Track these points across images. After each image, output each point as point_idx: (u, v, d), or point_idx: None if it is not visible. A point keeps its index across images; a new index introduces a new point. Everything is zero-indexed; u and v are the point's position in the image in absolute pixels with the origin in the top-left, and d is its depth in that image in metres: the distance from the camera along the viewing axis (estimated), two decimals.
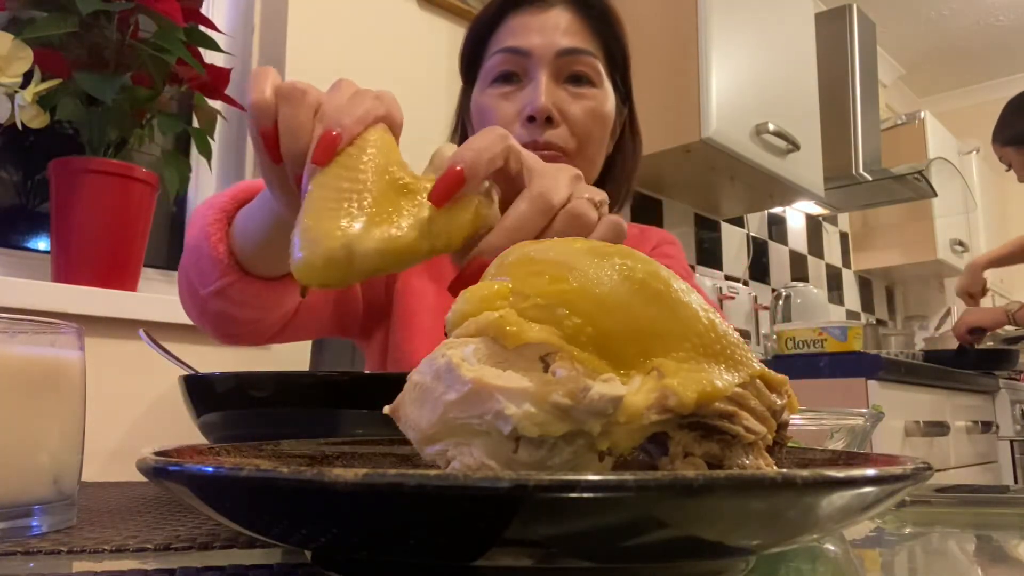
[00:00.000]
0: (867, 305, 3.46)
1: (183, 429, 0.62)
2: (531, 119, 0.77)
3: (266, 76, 0.40)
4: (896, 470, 0.23)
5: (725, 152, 1.82)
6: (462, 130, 0.91)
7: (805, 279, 2.92)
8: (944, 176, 2.87)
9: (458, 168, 0.36)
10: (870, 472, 0.22)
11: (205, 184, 1.35)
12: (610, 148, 0.87)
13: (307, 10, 1.39)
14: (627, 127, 0.91)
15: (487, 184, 0.39)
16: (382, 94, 0.40)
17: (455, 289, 0.36)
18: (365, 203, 0.35)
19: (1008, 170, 2.26)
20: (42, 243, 1.18)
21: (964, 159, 3.49)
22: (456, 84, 1.52)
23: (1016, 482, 2.17)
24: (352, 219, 0.34)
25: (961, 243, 3.35)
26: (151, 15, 1.05)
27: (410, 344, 0.82)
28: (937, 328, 3.23)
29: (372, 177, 0.36)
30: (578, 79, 0.80)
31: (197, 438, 0.53)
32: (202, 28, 1.13)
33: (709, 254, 2.42)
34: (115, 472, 1.03)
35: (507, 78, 0.80)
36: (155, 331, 0.66)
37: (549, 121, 0.77)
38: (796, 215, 2.96)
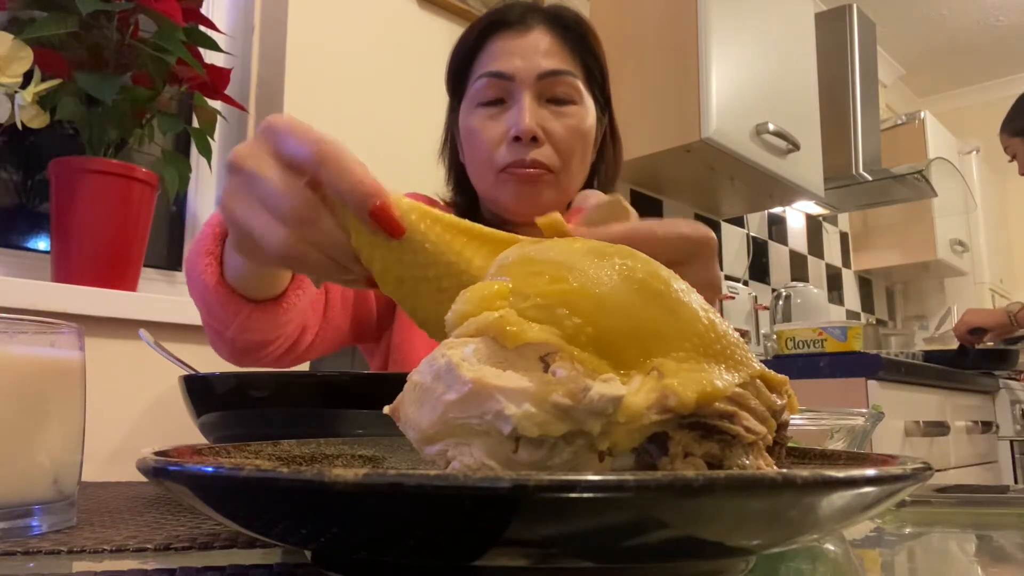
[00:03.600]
0: (867, 305, 3.46)
1: (183, 429, 0.62)
2: (517, 139, 0.80)
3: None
4: (896, 470, 0.23)
5: (725, 152, 1.82)
6: (451, 144, 0.93)
7: (805, 279, 2.92)
8: (944, 176, 2.87)
9: None
10: (870, 472, 0.22)
11: (205, 184, 1.35)
12: (593, 156, 0.89)
13: (307, 10, 1.39)
14: (607, 135, 0.93)
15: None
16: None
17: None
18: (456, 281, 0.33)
19: (1011, 161, 2.25)
20: (42, 243, 1.18)
21: (964, 159, 3.48)
22: None
23: (1016, 482, 2.17)
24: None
25: (961, 243, 3.35)
26: (151, 15, 1.05)
27: (410, 344, 0.83)
28: (937, 328, 3.22)
29: (442, 248, 0.34)
30: (559, 98, 0.83)
31: (197, 438, 0.53)
32: (202, 28, 1.13)
33: None
34: (115, 472, 1.03)
35: (492, 101, 0.83)
36: (155, 331, 0.66)
37: (534, 140, 0.81)
38: (796, 215, 2.95)
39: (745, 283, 2.53)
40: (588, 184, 0.91)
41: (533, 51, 0.82)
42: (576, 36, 0.86)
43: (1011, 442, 2.19)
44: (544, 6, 0.87)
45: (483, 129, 0.83)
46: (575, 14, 0.88)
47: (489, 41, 0.85)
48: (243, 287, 0.58)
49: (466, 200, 0.92)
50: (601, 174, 0.93)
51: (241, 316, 0.59)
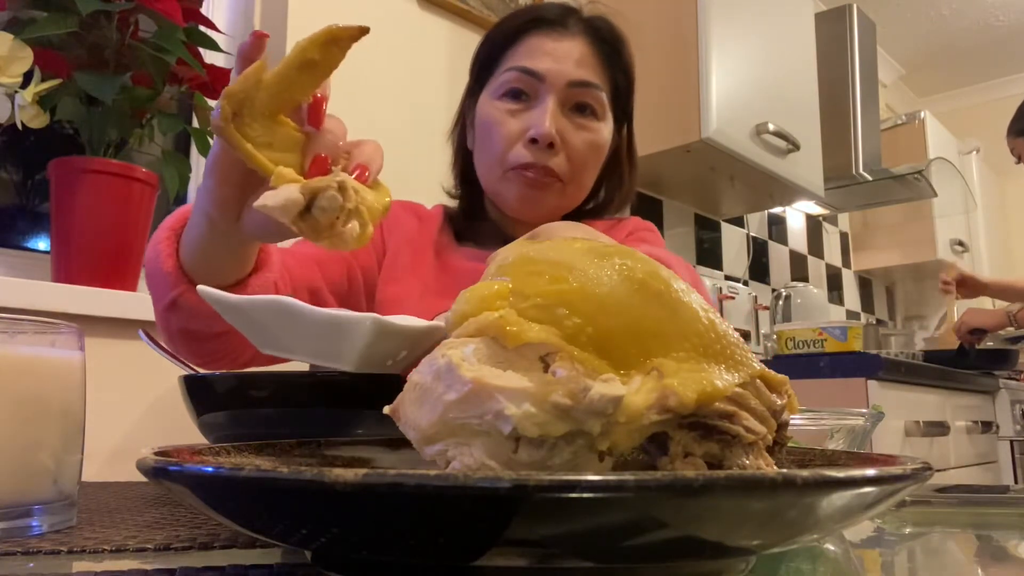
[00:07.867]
0: (867, 305, 3.46)
1: (183, 429, 0.62)
2: (533, 141, 0.80)
3: None
4: (896, 470, 0.23)
5: (725, 152, 1.82)
6: (461, 126, 0.93)
7: (805, 279, 2.92)
8: (944, 176, 2.87)
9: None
10: (870, 472, 0.22)
11: None
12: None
13: (307, 10, 1.39)
14: (624, 151, 0.94)
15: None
16: None
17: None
18: None
19: (1018, 163, 2.26)
20: (42, 243, 1.18)
21: (964, 159, 3.48)
22: (456, 83, 1.52)
23: (1016, 482, 2.17)
24: None
25: (961, 243, 3.35)
26: (151, 15, 1.05)
27: None
28: (937, 328, 3.22)
29: None
30: (583, 109, 0.84)
31: (197, 438, 0.53)
32: (202, 28, 1.13)
33: (709, 254, 2.42)
34: (115, 472, 1.03)
35: (516, 95, 0.83)
36: (155, 331, 0.66)
37: (550, 147, 0.80)
38: (796, 215, 2.95)
39: (745, 283, 2.53)
40: (594, 197, 0.92)
41: (567, 56, 0.83)
42: (611, 50, 0.87)
43: (1011, 442, 2.19)
44: (585, 14, 0.88)
45: (501, 123, 0.82)
46: (613, 27, 0.89)
47: (526, 36, 0.85)
48: (188, 261, 0.59)
49: (468, 191, 0.92)
50: (610, 189, 0.93)
51: (175, 291, 0.60)
